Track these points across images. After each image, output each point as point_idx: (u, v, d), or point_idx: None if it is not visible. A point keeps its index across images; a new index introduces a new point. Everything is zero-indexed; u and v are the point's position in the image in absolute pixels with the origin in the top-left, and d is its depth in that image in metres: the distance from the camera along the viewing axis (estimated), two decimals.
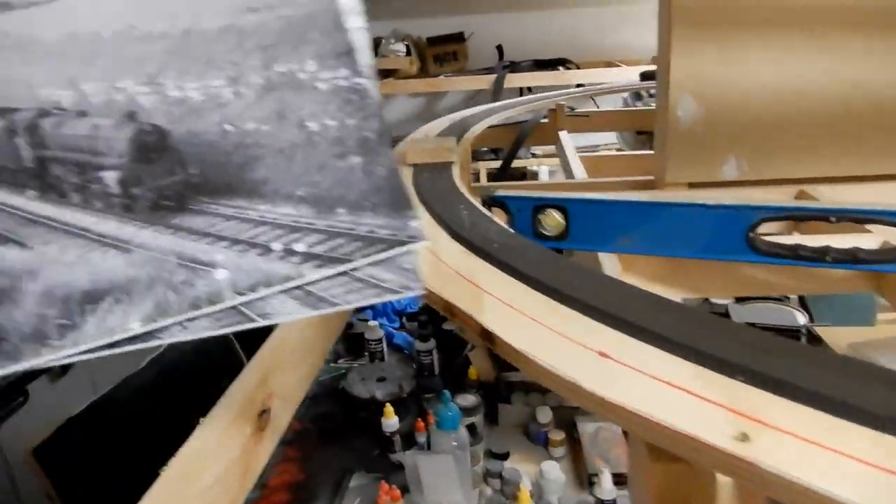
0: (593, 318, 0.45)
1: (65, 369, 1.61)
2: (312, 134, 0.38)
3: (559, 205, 0.76)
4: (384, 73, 3.17)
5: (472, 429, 1.48)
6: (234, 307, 0.35)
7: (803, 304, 1.84)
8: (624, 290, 0.50)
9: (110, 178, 0.38)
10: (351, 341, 1.96)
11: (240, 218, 0.38)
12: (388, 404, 1.49)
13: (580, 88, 2.46)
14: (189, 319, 0.35)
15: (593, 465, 1.37)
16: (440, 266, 0.59)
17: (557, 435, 1.46)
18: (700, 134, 0.91)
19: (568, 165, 1.38)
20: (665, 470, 0.43)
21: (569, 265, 0.56)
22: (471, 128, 1.36)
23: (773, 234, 0.78)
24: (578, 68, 3.09)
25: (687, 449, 0.34)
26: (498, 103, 1.81)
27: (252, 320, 0.35)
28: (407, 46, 3.19)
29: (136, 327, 0.34)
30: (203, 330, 0.35)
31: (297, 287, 0.36)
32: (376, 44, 3.25)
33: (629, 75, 2.65)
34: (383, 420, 1.47)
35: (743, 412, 0.34)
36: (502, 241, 0.62)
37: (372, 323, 1.88)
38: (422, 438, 1.49)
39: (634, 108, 2.25)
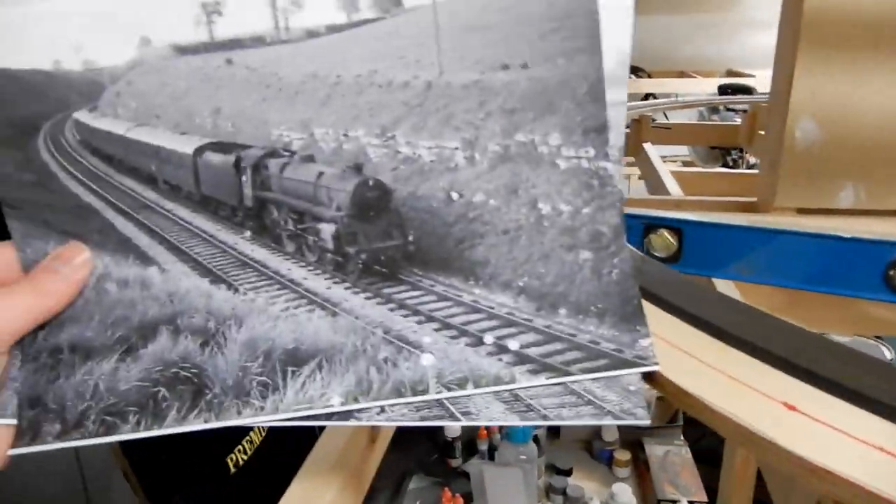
0: (770, 365, 0.40)
1: None
2: (542, 217, 0.35)
3: (673, 225, 0.72)
4: None
5: (534, 441, 1.45)
6: (437, 400, 0.32)
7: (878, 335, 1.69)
8: (803, 336, 0.44)
9: (326, 231, 0.35)
10: None
11: (453, 300, 0.35)
12: None
13: (668, 100, 2.32)
14: (390, 405, 0.32)
15: (662, 490, 1.31)
16: None
17: (623, 455, 1.40)
18: (817, 157, 0.84)
19: (659, 180, 1.30)
20: None
21: (738, 305, 0.51)
22: None
23: None
24: (650, 77, 2.92)
25: None
26: None
27: (455, 418, 0.32)
28: None
29: (336, 403, 0.32)
30: (402, 418, 0.33)
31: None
32: None
33: (705, 87, 2.49)
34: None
35: None
36: (657, 275, 0.57)
37: None
38: (483, 446, 1.47)
39: (716, 123, 2.11)
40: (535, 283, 0.34)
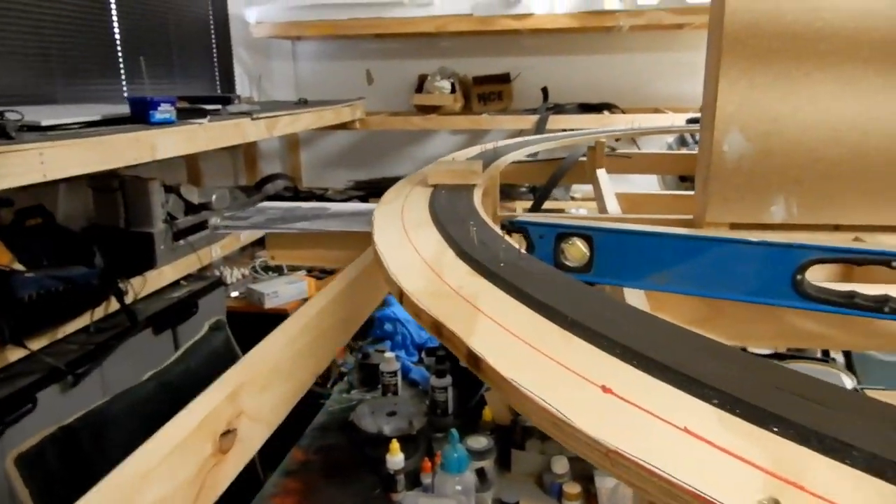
0: (598, 347, 0.38)
1: (77, 379, 1.59)
2: None
3: (584, 233, 0.70)
4: (428, 109, 3.19)
5: (481, 474, 1.38)
6: None
7: (849, 365, 1.67)
8: (637, 316, 0.43)
9: None
10: (365, 371, 1.89)
11: None
12: (394, 440, 1.40)
13: (622, 127, 2.40)
14: None
15: None
16: (440, 285, 0.53)
17: (573, 488, 1.34)
18: (747, 172, 0.82)
19: (603, 202, 1.30)
20: None
21: (579, 287, 0.49)
22: (502, 156, 1.32)
23: (823, 281, 0.70)
24: (624, 113, 3.04)
25: None
26: (536, 136, 1.76)
27: None
28: (452, 84, 3.21)
29: None
30: None
31: None
32: (422, 80, 3.29)
33: (675, 121, 2.59)
34: (388, 457, 1.39)
35: (778, 474, 0.27)
36: (509, 261, 0.56)
37: (389, 355, 1.81)
38: (427, 479, 1.40)
39: (679, 152, 2.17)
40: None
